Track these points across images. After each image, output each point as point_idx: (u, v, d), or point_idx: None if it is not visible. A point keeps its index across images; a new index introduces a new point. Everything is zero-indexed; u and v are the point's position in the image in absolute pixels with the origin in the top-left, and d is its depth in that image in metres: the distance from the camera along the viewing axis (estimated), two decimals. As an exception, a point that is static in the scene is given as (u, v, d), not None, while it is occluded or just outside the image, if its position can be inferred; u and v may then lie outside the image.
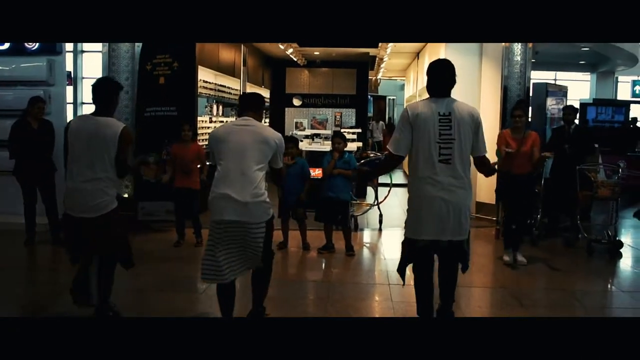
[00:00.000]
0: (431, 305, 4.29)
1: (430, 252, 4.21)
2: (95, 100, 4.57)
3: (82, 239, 4.57)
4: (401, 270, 4.33)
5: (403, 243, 4.30)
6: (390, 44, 13.03)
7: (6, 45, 8.62)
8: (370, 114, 22.45)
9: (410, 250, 4.21)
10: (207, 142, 4.50)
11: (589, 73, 20.84)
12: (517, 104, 7.77)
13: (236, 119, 4.89)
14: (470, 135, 4.06)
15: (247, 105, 4.60)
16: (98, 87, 4.61)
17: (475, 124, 4.08)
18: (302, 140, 12.84)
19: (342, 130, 14.52)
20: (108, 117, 4.53)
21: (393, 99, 28.71)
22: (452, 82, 4.17)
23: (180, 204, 7.65)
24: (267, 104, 16.68)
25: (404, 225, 4.29)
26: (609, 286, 6.61)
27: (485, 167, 4.37)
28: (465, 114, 4.05)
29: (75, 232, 4.57)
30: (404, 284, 4.51)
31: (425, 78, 4.28)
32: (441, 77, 4.17)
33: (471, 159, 4.20)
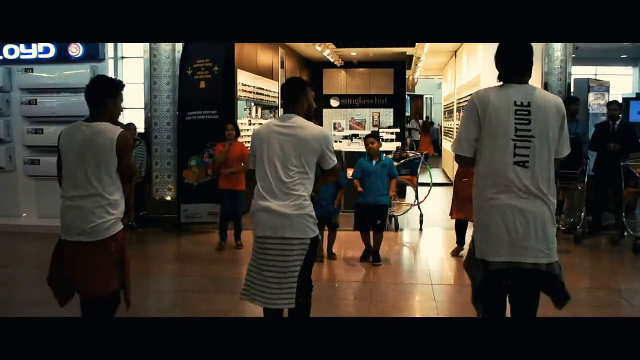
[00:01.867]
0: None
1: (505, 280, 3.36)
2: (87, 103, 3.83)
3: (75, 274, 3.71)
4: (476, 300, 3.45)
5: (470, 266, 3.48)
6: (427, 43, 13.00)
7: (51, 53, 8.85)
8: (408, 114, 22.38)
9: (483, 276, 3.34)
10: (250, 142, 4.02)
11: (631, 67, 20.39)
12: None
13: (277, 116, 4.40)
14: (555, 133, 3.22)
15: (286, 100, 3.94)
16: (88, 89, 3.83)
17: (561, 118, 3.25)
18: (340, 141, 12.92)
19: (380, 130, 14.57)
20: (102, 123, 3.72)
21: (430, 98, 28.57)
22: (530, 63, 3.36)
23: (226, 205, 7.73)
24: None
25: (469, 245, 3.53)
26: (656, 284, 6.48)
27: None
28: (548, 104, 3.22)
29: (70, 263, 3.73)
30: (479, 315, 3.52)
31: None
32: (517, 57, 3.34)
33: None
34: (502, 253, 3.20)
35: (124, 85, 3.95)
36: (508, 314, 3.54)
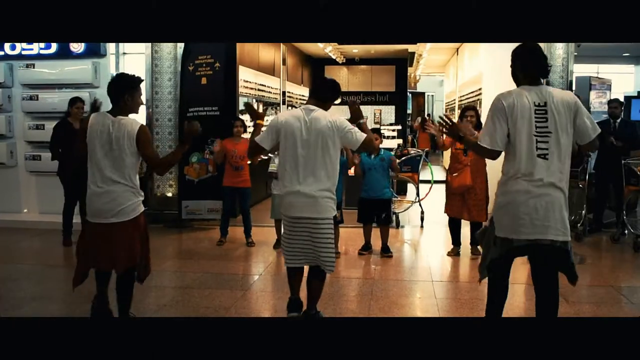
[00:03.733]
0: (502, 308, 4.00)
1: (518, 254, 3.90)
2: (109, 98, 4.31)
3: (105, 251, 4.28)
4: (483, 267, 4.00)
5: (493, 241, 3.85)
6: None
7: (53, 49, 8.86)
8: (409, 111, 22.37)
9: (500, 252, 3.81)
10: (270, 124, 4.56)
11: (632, 65, 20.36)
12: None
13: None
14: (568, 128, 3.67)
15: (317, 93, 4.71)
16: (109, 86, 4.33)
17: (574, 112, 3.68)
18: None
19: (382, 127, 14.57)
20: (124, 117, 4.26)
21: (432, 95, 28.53)
22: (546, 67, 3.83)
23: (228, 202, 7.73)
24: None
25: (489, 221, 3.94)
26: (657, 282, 6.49)
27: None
28: (560, 103, 3.66)
29: (99, 242, 4.29)
30: (481, 280, 4.09)
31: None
32: (535, 62, 3.78)
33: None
34: (526, 232, 3.66)
35: (141, 80, 4.39)
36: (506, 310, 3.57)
